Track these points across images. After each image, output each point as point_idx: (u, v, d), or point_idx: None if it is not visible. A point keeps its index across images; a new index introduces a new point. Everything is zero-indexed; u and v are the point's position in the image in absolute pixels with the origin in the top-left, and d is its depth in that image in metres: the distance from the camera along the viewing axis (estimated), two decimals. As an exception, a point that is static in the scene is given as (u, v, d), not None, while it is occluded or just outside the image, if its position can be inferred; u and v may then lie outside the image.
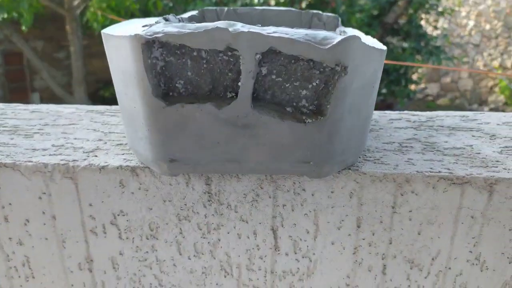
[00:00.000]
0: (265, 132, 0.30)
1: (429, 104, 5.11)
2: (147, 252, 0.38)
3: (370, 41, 0.31)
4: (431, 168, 0.35)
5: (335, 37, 0.27)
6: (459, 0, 5.10)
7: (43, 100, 4.78)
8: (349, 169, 0.34)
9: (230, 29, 0.27)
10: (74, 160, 0.36)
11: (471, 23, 5.33)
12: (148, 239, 0.38)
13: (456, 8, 5.04)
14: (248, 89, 0.29)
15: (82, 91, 4.10)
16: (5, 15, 3.07)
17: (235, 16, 0.49)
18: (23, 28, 3.17)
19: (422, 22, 4.64)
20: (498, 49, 5.22)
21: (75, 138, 0.41)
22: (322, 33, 0.28)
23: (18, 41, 3.94)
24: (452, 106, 5.16)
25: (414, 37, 3.85)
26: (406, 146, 0.39)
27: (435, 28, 4.74)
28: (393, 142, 0.40)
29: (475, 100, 5.26)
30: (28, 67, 4.75)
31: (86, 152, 0.38)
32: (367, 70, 0.30)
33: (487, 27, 5.23)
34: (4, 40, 4.43)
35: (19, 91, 4.84)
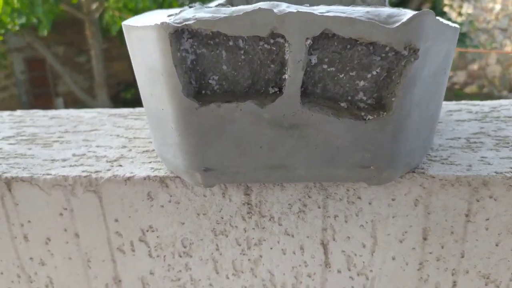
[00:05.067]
0: (316, 133, 0.26)
1: (456, 93, 4.94)
2: (180, 271, 0.34)
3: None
4: (511, 168, 0.29)
5: (404, 13, 0.22)
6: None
7: (67, 105, 4.86)
8: (414, 172, 0.29)
9: (275, 10, 0.22)
10: (97, 171, 0.32)
11: (498, 6, 5.11)
12: (181, 256, 0.34)
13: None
14: (296, 82, 0.24)
15: (104, 94, 4.14)
16: (24, 20, 3.10)
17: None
18: (44, 32, 3.20)
19: (446, 9, 4.48)
20: (527, 32, 4.99)
21: (98, 146, 0.37)
22: (386, 10, 0.23)
23: (39, 47, 4.00)
24: (480, 94, 4.96)
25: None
26: (475, 142, 0.34)
27: (460, 14, 4.56)
28: (459, 138, 0.35)
29: (505, 87, 5.04)
30: (51, 73, 4.83)
31: (110, 162, 0.34)
32: (440, 53, 0.25)
33: (515, 10, 5.00)
34: (26, 47, 4.52)
35: (43, 97, 4.93)
